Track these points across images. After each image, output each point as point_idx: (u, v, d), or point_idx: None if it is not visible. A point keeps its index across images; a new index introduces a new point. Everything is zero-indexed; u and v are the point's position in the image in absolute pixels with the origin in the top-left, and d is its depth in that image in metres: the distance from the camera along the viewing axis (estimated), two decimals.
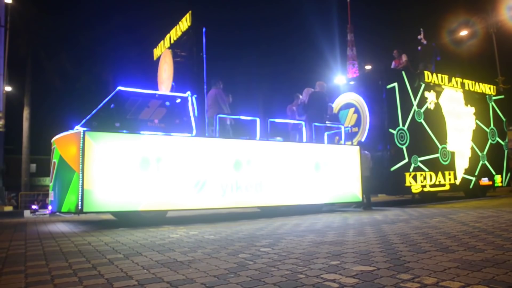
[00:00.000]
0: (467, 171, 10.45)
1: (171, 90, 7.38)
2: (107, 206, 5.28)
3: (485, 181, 10.91)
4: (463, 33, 23.71)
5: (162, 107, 6.54)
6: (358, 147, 8.05)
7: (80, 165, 5.09)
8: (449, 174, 9.95)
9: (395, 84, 9.22)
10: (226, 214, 7.62)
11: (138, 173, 5.46)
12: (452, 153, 10.14)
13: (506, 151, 11.76)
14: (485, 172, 10.94)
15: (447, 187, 9.87)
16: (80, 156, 5.10)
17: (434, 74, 10.17)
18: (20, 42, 22.42)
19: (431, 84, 10.05)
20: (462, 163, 10.37)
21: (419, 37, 11.24)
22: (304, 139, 7.71)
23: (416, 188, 9.16)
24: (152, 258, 2.85)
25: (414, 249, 2.92)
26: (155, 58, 8.51)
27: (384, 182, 8.83)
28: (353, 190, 7.72)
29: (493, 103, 11.68)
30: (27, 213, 10.91)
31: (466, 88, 10.97)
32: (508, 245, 2.98)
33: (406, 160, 9.03)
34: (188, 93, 6.54)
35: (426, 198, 11.15)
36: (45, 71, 25.30)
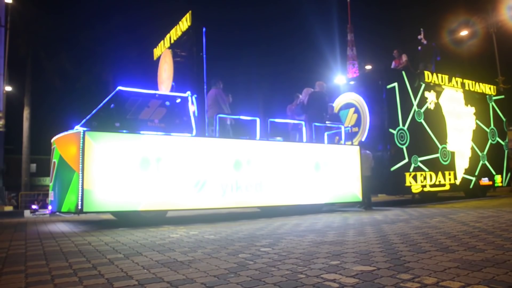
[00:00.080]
0: (467, 171, 10.45)
1: (171, 90, 7.38)
2: (107, 206, 5.28)
3: (485, 181, 10.91)
4: (463, 33, 23.71)
5: (162, 107, 6.54)
6: (358, 147, 8.05)
7: (80, 165, 5.09)
8: (449, 174, 9.95)
9: (395, 84, 9.22)
10: (226, 214, 7.62)
11: (138, 173, 5.46)
12: (452, 153, 10.14)
13: (506, 151, 11.76)
14: (485, 172, 10.94)
15: (447, 187, 9.87)
16: (80, 156, 5.10)
17: (434, 74, 10.17)
18: (20, 42, 22.43)
19: (431, 84, 10.05)
20: (462, 163, 10.37)
21: (419, 37, 11.24)
22: (304, 139, 7.70)
23: (416, 188, 9.16)
24: (152, 258, 2.85)
25: (414, 249, 2.92)
26: (155, 58, 8.51)
27: (384, 182, 8.83)
28: (353, 190, 7.72)
29: (493, 103, 11.68)
30: (27, 213, 10.91)
31: (466, 88, 10.97)
32: (508, 245, 2.98)
33: (406, 160, 9.02)
34: (188, 93, 6.54)
35: (426, 198, 11.15)
36: (45, 71, 25.33)
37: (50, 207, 6.05)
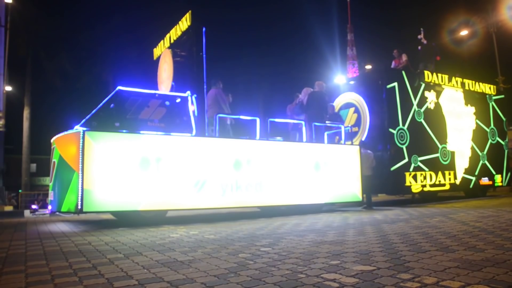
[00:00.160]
0: (467, 171, 10.45)
1: (171, 90, 7.38)
2: (107, 206, 5.28)
3: (485, 180, 10.91)
4: (463, 32, 23.71)
5: (162, 106, 6.53)
6: (358, 147, 8.05)
7: (80, 165, 5.09)
8: (449, 174, 9.95)
9: (395, 83, 9.21)
10: (226, 213, 7.62)
11: (138, 173, 5.46)
12: (452, 153, 10.14)
13: (506, 151, 11.76)
14: (485, 172, 10.93)
15: (447, 187, 9.87)
16: (80, 156, 5.10)
17: (434, 74, 10.17)
18: (20, 42, 22.43)
19: (431, 83, 10.05)
20: (462, 163, 10.37)
21: (419, 36, 11.24)
22: (304, 138, 7.70)
23: (416, 187, 9.16)
24: (152, 258, 2.85)
25: (414, 248, 2.92)
26: (155, 58, 8.51)
27: (384, 182, 8.82)
28: (353, 189, 7.72)
29: (493, 102, 11.67)
30: (27, 213, 10.91)
31: (466, 87, 10.97)
32: (508, 244, 2.98)
33: (406, 159, 9.02)
34: (188, 92, 6.54)
35: (426, 198, 11.15)
36: (45, 71, 25.33)
37: (50, 207, 6.04)
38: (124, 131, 5.62)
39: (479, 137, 10.99)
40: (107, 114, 5.89)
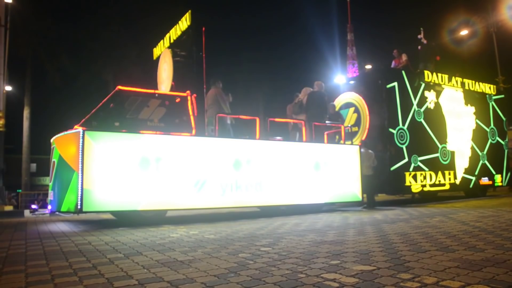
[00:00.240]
0: (467, 171, 10.45)
1: (171, 90, 7.38)
2: (106, 205, 5.28)
3: (485, 180, 10.91)
4: (464, 32, 23.70)
5: (162, 106, 6.54)
6: (358, 147, 8.05)
7: (80, 165, 5.09)
8: (449, 174, 9.95)
9: (395, 83, 9.21)
10: (226, 213, 7.62)
11: (137, 172, 5.46)
12: (452, 153, 10.14)
13: (506, 151, 11.75)
14: (485, 172, 10.93)
15: (447, 187, 9.87)
16: (80, 156, 5.10)
17: (434, 74, 10.17)
18: (20, 42, 22.41)
19: (431, 83, 10.05)
20: (462, 163, 10.37)
21: (419, 36, 11.24)
22: (304, 138, 7.70)
23: (416, 187, 9.16)
24: (152, 258, 2.85)
25: (414, 248, 2.92)
26: (154, 58, 8.51)
27: (384, 182, 8.83)
28: (353, 189, 7.73)
29: (493, 102, 11.67)
30: (27, 212, 10.91)
31: (466, 87, 10.97)
32: (508, 244, 2.98)
33: (406, 159, 9.02)
34: (188, 92, 6.54)
35: (426, 198, 11.15)
36: (45, 70, 25.32)
37: (49, 207, 6.04)
38: (124, 131, 5.62)
39: (479, 137, 10.99)
40: (106, 113, 5.89)
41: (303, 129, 7.75)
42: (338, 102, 10.25)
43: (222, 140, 6.46)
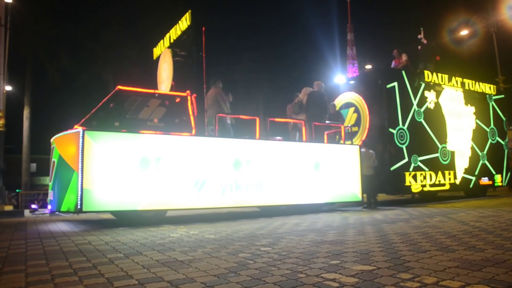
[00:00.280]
0: (467, 171, 10.45)
1: (171, 90, 7.37)
2: (106, 205, 5.28)
3: (485, 180, 10.91)
4: (464, 32, 23.70)
5: (162, 106, 6.53)
6: (357, 147, 8.05)
7: (80, 165, 5.09)
8: (449, 174, 9.95)
9: (395, 83, 9.21)
10: (226, 213, 7.62)
11: (137, 172, 5.46)
12: (452, 153, 10.14)
13: (506, 151, 11.75)
14: (485, 172, 10.93)
15: (447, 187, 9.87)
16: (80, 156, 5.10)
17: (434, 74, 10.17)
18: (20, 42, 22.41)
19: (431, 83, 10.04)
20: (462, 163, 10.37)
21: (419, 36, 11.24)
22: (304, 138, 7.70)
23: (416, 187, 9.16)
24: (152, 258, 2.85)
25: (414, 248, 2.92)
26: (154, 58, 8.50)
27: (384, 182, 8.82)
28: (353, 189, 7.73)
29: (493, 102, 11.67)
30: (27, 212, 10.91)
31: (466, 87, 10.96)
32: (508, 244, 2.98)
33: (406, 159, 9.02)
34: (188, 92, 6.54)
35: (426, 198, 11.15)
36: (45, 70, 25.32)
37: (49, 207, 6.04)
38: (123, 130, 5.62)
39: (479, 137, 10.99)
40: (106, 113, 5.89)
41: (303, 129, 7.75)
42: (338, 102, 10.25)
43: (222, 140, 6.46)
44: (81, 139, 5.12)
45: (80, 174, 5.07)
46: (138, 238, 4.02)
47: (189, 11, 6.83)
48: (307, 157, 7.19)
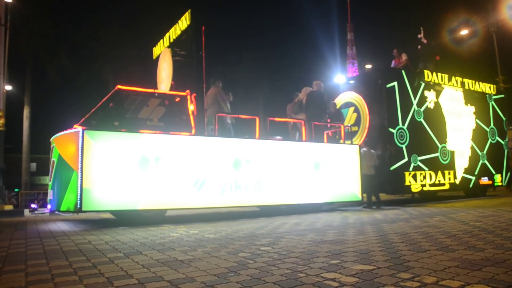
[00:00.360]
0: (467, 171, 10.45)
1: (171, 89, 7.37)
2: (106, 205, 5.28)
3: (485, 180, 10.91)
4: (464, 32, 23.69)
5: (161, 106, 6.53)
6: (357, 146, 8.05)
7: (79, 164, 5.09)
8: (449, 174, 9.95)
9: (395, 83, 9.21)
10: (226, 213, 7.62)
11: (137, 172, 5.45)
12: (452, 153, 10.14)
13: (506, 151, 11.75)
14: (485, 172, 10.93)
15: (446, 187, 9.87)
16: (79, 155, 5.10)
17: (434, 73, 10.17)
18: (20, 42, 22.40)
19: (431, 83, 10.04)
20: (462, 163, 10.37)
21: (419, 36, 11.23)
22: (304, 138, 7.70)
23: (415, 187, 9.16)
24: (152, 257, 2.85)
25: (414, 248, 2.92)
26: (154, 57, 8.50)
27: (383, 181, 8.82)
28: (352, 189, 7.73)
29: (493, 102, 11.67)
30: (27, 212, 10.91)
31: (466, 87, 10.96)
32: (508, 244, 2.98)
33: (406, 159, 9.02)
34: (188, 91, 6.54)
35: (425, 197, 11.15)
36: (45, 70, 25.32)
37: (49, 206, 6.04)
38: (123, 130, 5.61)
39: (479, 136, 10.98)
40: (106, 113, 5.89)
41: (303, 128, 7.75)
42: (338, 102, 10.24)
43: (222, 140, 6.46)
44: (80, 139, 5.12)
45: (79, 173, 5.07)
46: (138, 237, 4.02)
47: (189, 10, 6.82)
48: (307, 156, 7.19)
